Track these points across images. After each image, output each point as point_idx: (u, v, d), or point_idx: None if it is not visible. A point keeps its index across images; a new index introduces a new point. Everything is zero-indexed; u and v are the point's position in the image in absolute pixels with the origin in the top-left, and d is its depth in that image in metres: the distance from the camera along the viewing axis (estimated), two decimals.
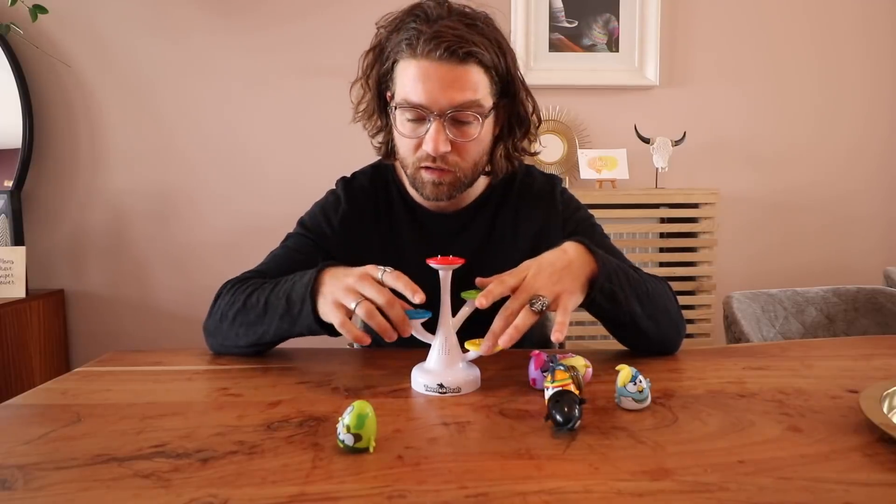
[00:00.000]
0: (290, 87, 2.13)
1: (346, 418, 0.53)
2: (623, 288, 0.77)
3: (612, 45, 2.16)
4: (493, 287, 0.69)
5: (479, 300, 0.68)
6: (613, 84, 2.16)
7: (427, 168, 0.83)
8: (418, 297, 0.65)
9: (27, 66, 2.07)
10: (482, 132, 0.82)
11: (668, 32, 2.16)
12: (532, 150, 0.95)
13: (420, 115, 0.80)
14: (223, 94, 2.12)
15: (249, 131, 2.14)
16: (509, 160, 0.91)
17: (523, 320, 0.68)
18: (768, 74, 2.21)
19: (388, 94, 0.87)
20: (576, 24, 2.14)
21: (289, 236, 0.96)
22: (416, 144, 0.82)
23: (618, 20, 2.14)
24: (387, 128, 0.91)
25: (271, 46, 2.11)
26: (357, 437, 0.53)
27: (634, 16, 2.13)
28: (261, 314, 0.79)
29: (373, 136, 0.93)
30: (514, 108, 0.87)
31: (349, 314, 0.69)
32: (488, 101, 0.82)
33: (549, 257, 0.74)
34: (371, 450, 0.53)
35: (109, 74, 2.10)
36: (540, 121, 0.92)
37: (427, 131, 0.79)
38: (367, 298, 0.68)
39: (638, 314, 0.78)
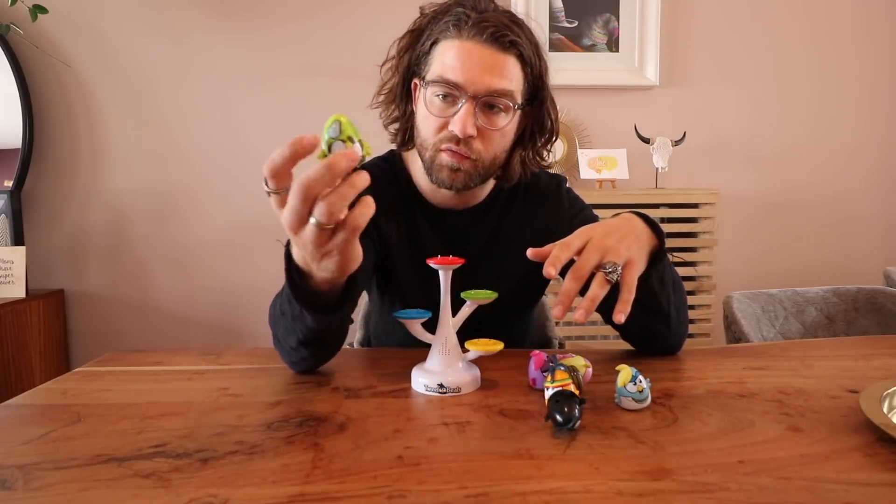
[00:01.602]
0: (290, 87, 2.13)
1: (333, 133, 0.49)
2: (670, 270, 0.76)
3: (612, 45, 2.16)
4: (557, 252, 0.63)
5: (547, 269, 0.62)
6: (613, 84, 2.16)
7: (448, 150, 0.81)
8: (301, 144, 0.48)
9: (27, 66, 2.07)
10: (508, 126, 0.83)
11: (668, 32, 2.16)
12: (548, 162, 0.94)
13: (453, 94, 0.79)
14: (223, 93, 2.12)
15: (250, 131, 2.14)
16: (523, 168, 0.91)
17: (597, 290, 0.62)
18: (768, 74, 2.21)
19: (415, 81, 0.87)
20: (576, 24, 2.14)
21: None
22: (442, 125, 0.81)
23: (618, 20, 2.15)
24: (404, 116, 0.90)
25: (271, 46, 2.11)
26: (361, 144, 0.50)
27: (634, 16, 2.13)
28: (286, 326, 0.69)
29: (387, 126, 0.93)
30: (539, 115, 0.88)
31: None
32: (519, 98, 0.82)
33: (614, 222, 0.70)
34: (368, 153, 0.50)
35: (109, 74, 2.10)
36: (557, 134, 0.92)
37: (457, 112, 0.79)
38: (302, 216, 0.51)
39: (672, 301, 0.78)
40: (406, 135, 0.90)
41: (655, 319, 0.79)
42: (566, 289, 0.63)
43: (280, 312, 0.69)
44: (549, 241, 0.92)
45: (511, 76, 0.80)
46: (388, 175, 0.96)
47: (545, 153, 0.93)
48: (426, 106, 0.82)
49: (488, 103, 0.80)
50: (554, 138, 0.92)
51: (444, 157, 0.82)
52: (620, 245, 0.66)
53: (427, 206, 0.94)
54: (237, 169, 2.15)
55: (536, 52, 0.83)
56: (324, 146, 0.50)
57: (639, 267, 0.68)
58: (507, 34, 0.78)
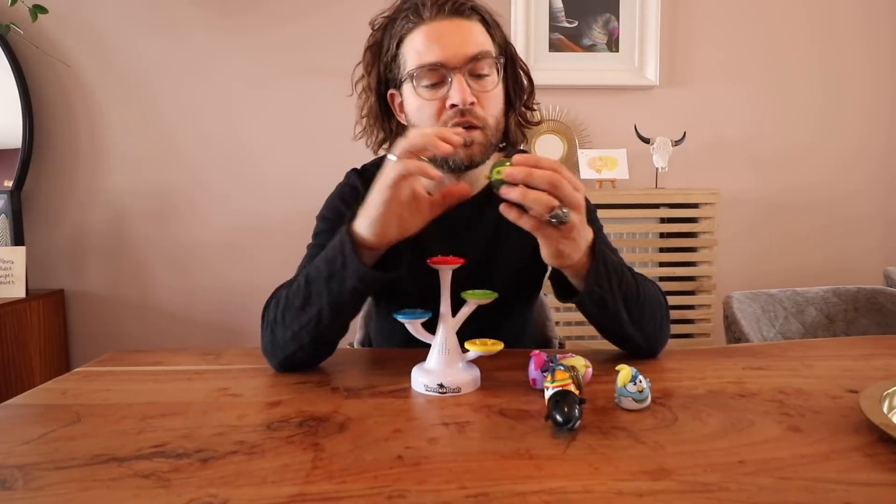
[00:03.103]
0: (290, 88, 2.13)
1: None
2: (613, 293, 0.75)
3: (612, 45, 2.16)
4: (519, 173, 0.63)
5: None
6: (613, 84, 2.16)
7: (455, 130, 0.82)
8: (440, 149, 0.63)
9: (27, 66, 2.07)
10: (499, 87, 0.84)
11: (668, 32, 2.16)
12: (535, 120, 0.95)
13: (440, 75, 0.80)
14: (223, 94, 2.12)
15: (250, 131, 2.14)
16: (520, 129, 0.92)
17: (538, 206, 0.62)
18: (768, 74, 2.21)
19: (391, 92, 0.87)
20: (576, 24, 2.14)
21: (315, 236, 0.93)
22: (440, 108, 0.81)
23: (618, 20, 2.14)
24: (392, 134, 0.90)
25: (272, 46, 2.11)
26: None
27: (634, 16, 2.13)
28: (306, 295, 0.74)
29: (376, 150, 0.92)
30: (514, 74, 0.89)
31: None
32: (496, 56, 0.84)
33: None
34: None
35: (109, 74, 2.10)
36: (534, 86, 0.93)
37: (449, 89, 0.80)
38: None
39: (624, 321, 0.77)
40: None
41: (609, 334, 0.82)
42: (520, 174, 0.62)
43: (304, 282, 0.74)
44: None
45: (483, 39, 0.82)
46: None
47: (530, 109, 0.94)
48: (418, 97, 0.82)
49: (474, 70, 0.81)
50: (532, 92, 0.93)
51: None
52: (579, 221, 0.66)
53: None
54: (237, 169, 2.15)
55: (492, 18, 0.86)
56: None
57: (581, 229, 0.68)
58: (464, 3, 0.81)
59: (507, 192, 0.63)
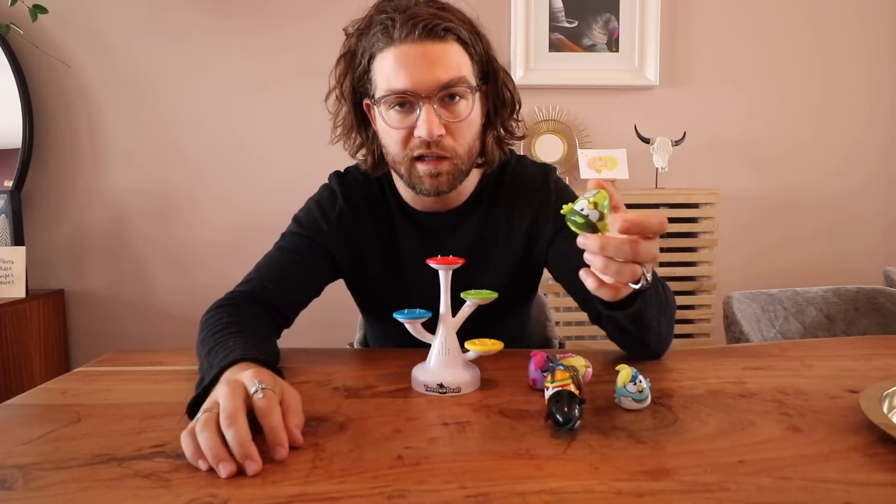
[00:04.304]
0: (290, 87, 2.12)
1: (590, 195, 0.56)
2: (651, 308, 0.71)
3: (612, 45, 2.16)
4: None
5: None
6: (613, 84, 2.16)
7: (422, 159, 0.79)
8: (251, 469, 0.49)
9: (27, 66, 2.07)
10: (472, 112, 0.80)
11: (668, 32, 2.16)
12: (519, 134, 0.92)
13: (408, 101, 0.77)
14: (224, 93, 2.12)
15: (250, 131, 2.14)
16: (500, 147, 0.89)
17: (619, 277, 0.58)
18: (768, 74, 2.21)
19: (366, 101, 0.84)
20: (576, 24, 2.14)
21: (284, 236, 0.93)
22: (407, 135, 0.78)
23: (618, 20, 2.15)
24: (368, 142, 0.88)
25: (272, 46, 2.11)
26: (600, 216, 0.55)
27: (634, 16, 2.13)
28: (199, 366, 0.71)
29: (354, 154, 0.90)
30: (496, 90, 0.85)
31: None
32: (473, 81, 0.80)
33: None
34: (604, 234, 0.56)
35: (109, 74, 2.10)
36: (520, 104, 0.89)
37: (417, 117, 0.76)
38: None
39: (652, 330, 0.75)
40: (375, 156, 0.87)
41: (632, 345, 0.80)
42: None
43: (200, 339, 0.74)
44: (536, 235, 0.90)
45: (457, 63, 0.77)
46: (371, 182, 0.93)
47: (513, 125, 0.90)
48: (385, 122, 0.79)
49: (445, 97, 0.77)
50: (518, 108, 0.88)
51: (421, 168, 0.80)
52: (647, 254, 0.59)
53: (409, 210, 0.91)
54: (237, 169, 2.15)
55: (474, 31, 0.81)
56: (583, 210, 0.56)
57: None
58: (438, 23, 0.75)
59: (582, 244, 0.58)
